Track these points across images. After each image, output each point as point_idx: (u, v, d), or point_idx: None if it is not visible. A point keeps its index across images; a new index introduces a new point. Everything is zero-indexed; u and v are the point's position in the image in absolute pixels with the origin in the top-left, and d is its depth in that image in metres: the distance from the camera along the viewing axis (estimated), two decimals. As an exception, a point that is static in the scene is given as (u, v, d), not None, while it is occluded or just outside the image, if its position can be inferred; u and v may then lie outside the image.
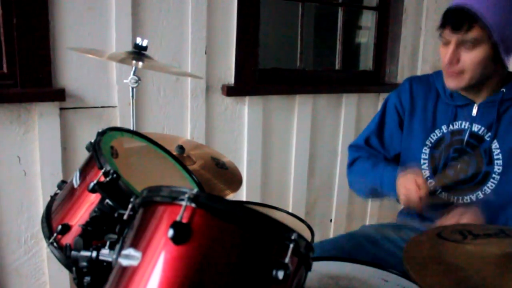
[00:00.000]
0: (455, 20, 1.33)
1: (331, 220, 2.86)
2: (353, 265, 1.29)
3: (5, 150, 1.84)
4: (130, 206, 0.83)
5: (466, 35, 1.32)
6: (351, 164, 1.74)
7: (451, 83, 1.42)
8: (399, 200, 1.46)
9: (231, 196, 1.57)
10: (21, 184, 1.88)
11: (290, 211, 2.55)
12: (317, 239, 1.58)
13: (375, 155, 1.68)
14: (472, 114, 1.47)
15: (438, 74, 1.56)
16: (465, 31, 1.32)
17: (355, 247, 1.55)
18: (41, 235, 1.91)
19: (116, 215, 0.88)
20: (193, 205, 0.70)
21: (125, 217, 0.82)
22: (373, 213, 3.02)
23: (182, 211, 0.69)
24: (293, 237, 0.73)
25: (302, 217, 2.58)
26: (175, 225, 0.68)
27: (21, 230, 1.91)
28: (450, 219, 1.36)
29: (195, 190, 0.70)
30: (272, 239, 0.72)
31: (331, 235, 2.86)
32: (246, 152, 2.40)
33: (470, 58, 1.34)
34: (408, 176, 1.41)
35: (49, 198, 1.25)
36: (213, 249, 0.70)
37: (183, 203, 0.70)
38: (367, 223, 3.02)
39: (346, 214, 2.91)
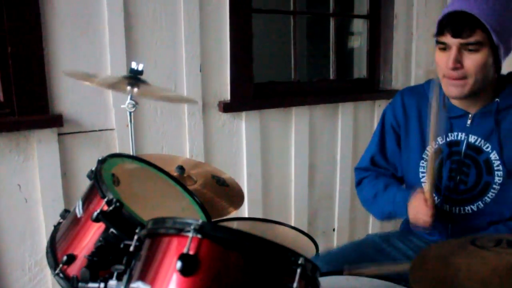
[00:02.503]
0: (456, 24, 1.32)
1: (334, 229, 2.86)
2: (362, 279, 1.29)
3: (5, 178, 1.83)
4: (136, 237, 0.84)
5: (469, 39, 1.31)
6: (358, 183, 1.73)
7: (454, 91, 1.39)
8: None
9: (234, 213, 1.58)
10: (22, 212, 1.88)
11: (292, 222, 2.57)
12: (321, 249, 1.58)
13: (384, 173, 1.68)
14: (467, 125, 1.46)
15: (430, 84, 1.53)
16: (467, 35, 1.31)
17: (361, 257, 1.54)
18: (45, 262, 1.90)
19: (122, 246, 0.89)
20: (199, 236, 0.71)
21: (131, 248, 0.83)
22: (375, 221, 3.02)
23: (188, 243, 0.70)
24: (299, 262, 0.73)
25: (305, 228, 2.61)
26: (183, 257, 0.68)
27: (25, 258, 1.90)
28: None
29: (200, 221, 0.71)
30: (279, 265, 0.73)
31: (334, 244, 2.86)
32: (245, 167, 2.41)
33: (474, 62, 1.33)
34: (417, 197, 1.42)
35: (51, 225, 1.25)
36: (221, 278, 0.70)
37: (189, 234, 0.70)
38: (370, 230, 3.03)
39: (349, 223, 2.91)
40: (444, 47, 1.36)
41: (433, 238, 1.59)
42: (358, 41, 3.11)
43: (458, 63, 1.34)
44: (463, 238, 0.88)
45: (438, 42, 1.38)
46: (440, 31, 1.36)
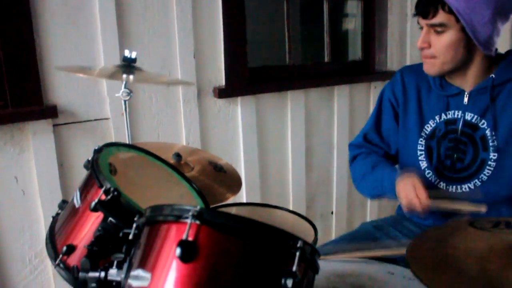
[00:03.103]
0: (423, 6, 1.38)
1: (332, 213, 2.88)
2: (358, 261, 1.30)
3: (2, 171, 1.83)
4: (134, 225, 0.84)
5: (433, 20, 1.36)
6: (352, 160, 1.75)
7: (426, 69, 1.46)
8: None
9: (232, 199, 1.58)
10: (20, 204, 1.88)
11: (290, 207, 2.58)
12: (320, 232, 1.58)
13: (376, 151, 1.69)
14: (464, 103, 1.47)
15: None
16: (431, 16, 1.35)
17: (356, 244, 1.56)
18: (45, 254, 1.92)
19: (121, 234, 0.89)
20: (197, 222, 0.71)
21: (130, 236, 0.83)
22: (373, 203, 3.04)
23: (187, 229, 0.70)
24: (298, 245, 0.74)
25: (303, 212, 2.62)
26: (182, 243, 0.69)
27: (24, 250, 1.91)
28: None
29: (198, 207, 0.71)
30: (278, 249, 0.73)
31: (333, 228, 2.88)
32: (242, 153, 2.41)
33: (440, 42, 1.38)
34: (407, 182, 1.41)
35: (49, 216, 1.25)
36: (220, 264, 0.70)
37: (188, 221, 0.70)
38: (368, 213, 3.05)
39: (347, 206, 2.92)
40: (421, 28, 1.43)
41: (428, 223, 1.60)
42: (353, 23, 3.09)
43: (425, 43, 1.41)
44: (462, 220, 0.89)
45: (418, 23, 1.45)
46: (415, 13, 1.43)
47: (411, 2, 2.90)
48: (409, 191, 1.39)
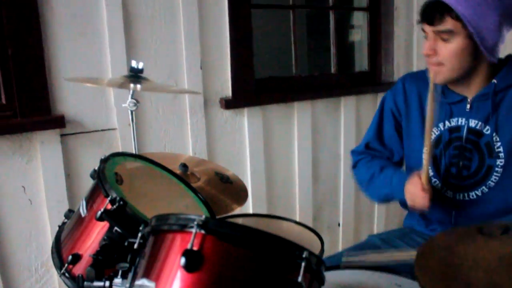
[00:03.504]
0: (429, 13, 1.37)
1: (339, 224, 2.86)
2: (365, 272, 1.29)
3: (10, 180, 1.84)
4: (139, 234, 0.84)
5: (440, 26, 1.35)
6: (354, 166, 1.75)
7: (431, 76, 1.43)
8: (405, 205, 1.46)
9: (238, 210, 1.57)
10: (27, 214, 1.88)
11: (297, 218, 2.57)
12: (326, 244, 1.57)
13: (379, 156, 1.68)
14: (467, 110, 1.46)
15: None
16: (438, 23, 1.35)
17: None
18: (51, 263, 1.92)
19: (126, 243, 0.89)
20: (202, 231, 0.70)
21: (135, 246, 0.83)
22: (380, 215, 3.01)
23: (192, 239, 0.69)
24: (304, 255, 0.73)
25: (310, 223, 2.60)
26: (187, 253, 0.68)
27: (31, 259, 1.91)
28: None
29: (204, 216, 0.71)
30: (284, 259, 0.73)
31: (340, 239, 2.86)
32: (249, 164, 2.40)
33: (447, 49, 1.36)
34: (413, 181, 1.41)
35: (56, 226, 1.25)
36: (225, 274, 0.70)
37: (193, 230, 0.70)
38: (375, 224, 3.02)
39: (354, 217, 2.90)
40: (426, 36, 1.42)
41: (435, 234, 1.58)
42: (359, 34, 3.10)
43: (432, 51, 1.39)
44: (470, 226, 0.87)
45: (422, 31, 1.44)
46: (420, 20, 1.42)
47: (417, 13, 2.89)
48: (415, 190, 1.39)
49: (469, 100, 1.46)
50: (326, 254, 1.44)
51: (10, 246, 1.87)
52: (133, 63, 1.53)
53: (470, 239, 0.83)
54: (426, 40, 1.42)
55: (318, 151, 2.67)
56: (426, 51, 1.40)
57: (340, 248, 2.82)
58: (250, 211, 2.37)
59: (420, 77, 1.58)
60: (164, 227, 0.77)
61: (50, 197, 1.90)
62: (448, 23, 1.33)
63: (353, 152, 1.78)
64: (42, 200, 1.90)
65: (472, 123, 1.46)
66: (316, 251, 1.38)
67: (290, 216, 1.75)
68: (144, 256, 0.80)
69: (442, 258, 0.78)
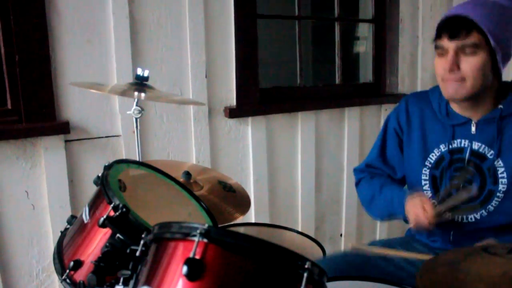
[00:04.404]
0: (453, 27, 1.34)
1: (341, 235, 2.85)
2: (367, 283, 1.28)
3: (13, 185, 1.84)
4: (142, 242, 0.83)
5: (465, 40, 1.32)
6: (357, 184, 1.76)
7: (451, 93, 1.39)
8: (408, 221, 1.46)
9: (241, 219, 1.57)
10: (30, 218, 1.89)
11: (299, 228, 2.56)
12: (328, 254, 1.57)
13: (379, 174, 1.68)
14: (471, 132, 1.45)
15: (434, 91, 1.55)
16: (464, 37, 1.32)
17: (365, 263, 1.54)
18: (52, 268, 1.90)
19: (128, 251, 0.89)
20: (205, 240, 0.70)
21: (137, 253, 0.83)
22: (382, 226, 3.00)
23: (194, 247, 0.69)
24: (306, 266, 0.73)
25: (312, 233, 2.59)
26: (189, 261, 0.68)
27: (32, 264, 1.91)
28: None
29: (206, 225, 0.71)
30: (286, 269, 0.72)
31: (342, 250, 2.84)
32: (252, 173, 2.40)
33: (471, 64, 1.34)
34: (415, 201, 1.41)
35: (58, 231, 1.25)
36: (227, 283, 0.70)
37: (195, 239, 0.70)
38: (377, 235, 3.01)
39: (356, 228, 2.89)
40: (442, 52, 1.38)
41: (436, 245, 1.58)
42: (364, 46, 3.11)
43: (455, 66, 1.35)
44: (475, 246, 0.87)
45: (436, 48, 1.40)
46: (438, 35, 1.38)
47: (422, 25, 2.91)
48: (417, 208, 1.38)
49: (473, 122, 1.45)
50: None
51: (12, 250, 1.87)
52: (139, 71, 1.54)
53: (475, 257, 0.82)
54: (440, 57, 1.39)
55: (321, 161, 2.66)
56: (449, 67, 1.35)
57: (342, 259, 2.80)
58: (252, 220, 2.36)
59: (423, 98, 1.57)
60: (166, 235, 0.77)
61: (53, 203, 1.90)
62: (474, 37, 1.32)
63: (355, 170, 1.78)
64: (45, 205, 1.90)
65: (475, 145, 1.45)
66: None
67: (292, 225, 1.75)
68: (146, 263, 0.80)
69: (446, 273, 0.78)
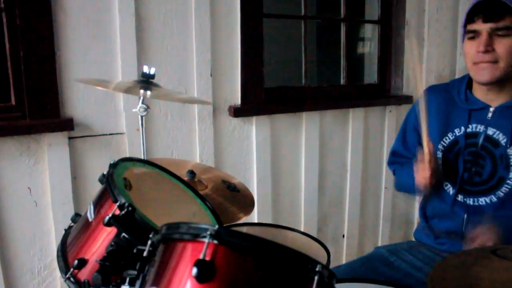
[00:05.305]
0: (486, 10, 1.38)
1: (343, 236, 2.84)
2: (371, 285, 1.28)
3: (16, 181, 1.83)
4: (149, 242, 0.82)
5: (499, 23, 1.36)
6: (394, 174, 1.84)
7: (484, 75, 1.42)
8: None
9: (244, 219, 1.56)
10: (32, 215, 1.88)
11: (302, 228, 2.56)
12: (331, 254, 1.56)
13: (405, 162, 1.73)
14: (488, 118, 1.48)
15: (453, 83, 1.60)
16: (498, 19, 1.36)
17: (370, 270, 1.54)
18: (54, 266, 1.91)
19: (135, 251, 0.87)
20: (215, 242, 0.69)
21: (145, 253, 0.82)
22: (385, 227, 2.99)
23: (205, 249, 0.68)
24: (317, 269, 0.72)
25: (315, 234, 2.58)
26: (199, 263, 0.67)
27: (34, 261, 1.90)
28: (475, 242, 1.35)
29: (216, 226, 0.69)
30: (297, 272, 0.71)
31: (344, 251, 2.83)
32: (255, 172, 2.39)
33: (505, 46, 1.38)
34: (417, 162, 1.47)
35: (60, 228, 1.24)
36: (237, 285, 0.69)
37: (205, 240, 0.69)
38: (380, 237, 3.00)
39: (359, 229, 2.88)
40: (473, 36, 1.42)
41: (444, 248, 1.57)
42: (369, 47, 3.10)
43: (489, 47, 1.39)
44: (484, 248, 0.86)
45: (467, 32, 1.44)
46: (470, 19, 1.42)
47: (428, 27, 2.90)
48: (418, 169, 1.46)
49: (491, 108, 1.47)
50: (330, 265, 1.42)
51: (14, 247, 1.86)
52: (145, 69, 1.52)
53: (484, 260, 0.81)
54: (471, 41, 1.42)
55: (325, 162, 2.65)
56: (483, 48, 1.39)
57: (343, 260, 2.80)
58: (255, 220, 2.36)
59: (441, 87, 1.62)
60: (175, 236, 0.76)
61: (56, 200, 1.89)
62: (507, 20, 1.36)
63: (388, 164, 1.86)
64: (48, 202, 1.89)
65: (490, 131, 1.47)
66: (323, 262, 1.36)
67: (295, 226, 1.74)
68: (153, 264, 0.79)
69: (457, 279, 0.77)
